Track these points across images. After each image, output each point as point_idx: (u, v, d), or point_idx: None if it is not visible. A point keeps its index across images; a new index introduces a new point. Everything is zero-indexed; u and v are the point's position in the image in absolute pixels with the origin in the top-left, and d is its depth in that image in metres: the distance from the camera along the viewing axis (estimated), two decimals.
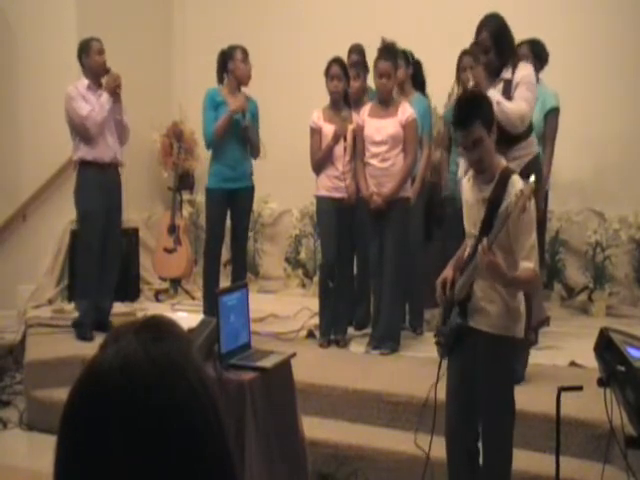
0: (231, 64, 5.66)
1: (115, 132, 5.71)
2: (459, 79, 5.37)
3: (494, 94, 4.18)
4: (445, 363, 3.45)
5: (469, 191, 3.39)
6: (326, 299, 5.50)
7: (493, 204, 3.21)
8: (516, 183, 3.20)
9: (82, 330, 5.61)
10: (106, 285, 5.77)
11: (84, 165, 5.63)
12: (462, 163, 4.51)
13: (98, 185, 5.60)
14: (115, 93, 5.60)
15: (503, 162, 3.37)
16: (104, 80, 5.64)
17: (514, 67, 4.45)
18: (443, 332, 3.40)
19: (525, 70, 4.47)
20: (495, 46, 4.43)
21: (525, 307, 3.41)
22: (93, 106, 5.53)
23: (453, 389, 3.44)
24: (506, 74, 4.44)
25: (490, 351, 3.29)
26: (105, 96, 5.58)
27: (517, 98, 4.33)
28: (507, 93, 4.38)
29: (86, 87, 5.61)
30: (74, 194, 5.68)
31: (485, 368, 3.30)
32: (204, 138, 5.75)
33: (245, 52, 5.69)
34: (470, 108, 3.30)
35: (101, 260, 5.69)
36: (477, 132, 3.21)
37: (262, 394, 3.52)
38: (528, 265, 3.17)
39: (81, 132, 5.57)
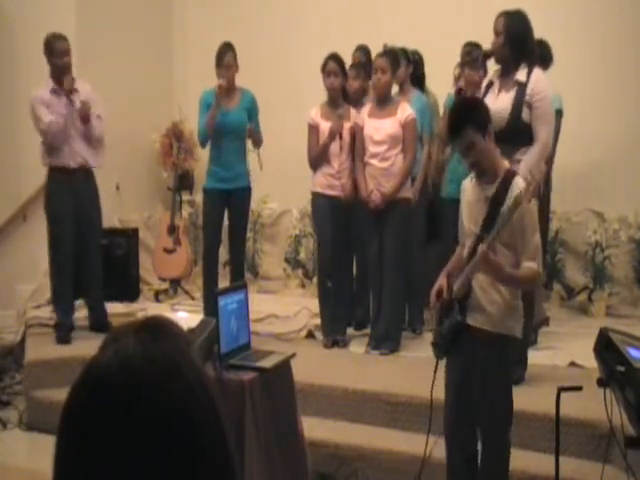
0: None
1: (84, 138, 5.58)
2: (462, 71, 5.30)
3: (521, 170, 3.81)
4: (443, 363, 3.45)
5: (471, 190, 3.41)
6: (326, 299, 5.50)
7: (495, 203, 3.24)
8: (519, 184, 3.24)
9: (59, 332, 5.58)
10: (92, 286, 5.77)
11: (52, 170, 5.59)
12: None
13: (66, 190, 5.54)
14: (85, 116, 5.47)
15: (506, 163, 3.41)
16: (65, 81, 5.46)
17: (530, 70, 4.28)
18: (440, 332, 3.41)
19: (541, 81, 4.28)
20: (506, 32, 4.29)
21: (527, 307, 3.42)
22: (56, 113, 5.43)
23: (452, 389, 3.44)
24: (520, 76, 4.28)
25: (489, 350, 3.30)
26: (62, 102, 5.47)
27: (536, 140, 4.18)
28: (520, 97, 4.23)
29: (50, 91, 5.50)
30: (44, 198, 5.68)
31: (483, 367, 3.31)
32: (197, 137, 5.80)
33: (221, 52, 5.54)
34: (461, 115, 3.36)
35: (84, 262, 5.68)
36: (469, 137, 3.25)
37: (262, 394, 3.52)
38: (531, 265, 3.21)
39: (45, 142, 5.52)
